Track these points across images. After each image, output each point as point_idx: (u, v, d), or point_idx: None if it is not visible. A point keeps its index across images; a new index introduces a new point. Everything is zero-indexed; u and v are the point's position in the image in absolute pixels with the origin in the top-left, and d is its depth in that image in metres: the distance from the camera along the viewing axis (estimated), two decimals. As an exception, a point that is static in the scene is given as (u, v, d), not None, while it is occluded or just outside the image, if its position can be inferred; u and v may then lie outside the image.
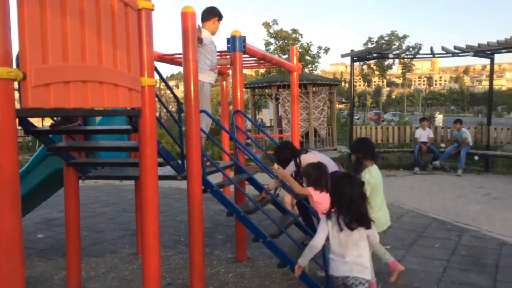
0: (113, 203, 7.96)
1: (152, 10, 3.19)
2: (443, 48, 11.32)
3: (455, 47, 11.10)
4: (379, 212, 3.50)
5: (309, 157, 4.21)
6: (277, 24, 22.12)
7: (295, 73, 7.27)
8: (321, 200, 3.66)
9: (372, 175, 3.50)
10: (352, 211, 2.77)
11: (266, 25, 21.94)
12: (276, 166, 4.16)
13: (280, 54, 21.37)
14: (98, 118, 4.84)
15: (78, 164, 3.98)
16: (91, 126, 4.22)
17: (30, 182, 4.52)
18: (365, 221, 2.79)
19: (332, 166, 4.09)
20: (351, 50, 12.00)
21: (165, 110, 19.06)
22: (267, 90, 17.36)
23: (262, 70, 22.96)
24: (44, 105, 2.20)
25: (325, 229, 2.84)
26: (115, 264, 4.69)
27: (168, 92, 28.56)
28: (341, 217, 2.78)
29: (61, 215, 6.75)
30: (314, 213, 3.80)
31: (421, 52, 12.86)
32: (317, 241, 2.88)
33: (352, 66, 12.50)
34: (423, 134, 11.24)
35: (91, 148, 4.04)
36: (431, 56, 11.78)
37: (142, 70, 3.12)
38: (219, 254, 4.93)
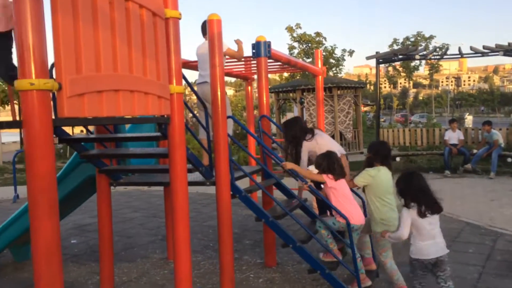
0: (143, 209, 8.09)
1: (179, 19, 3.24)
2: (471, 48, 11.06)
3: (484, 47, 10.82)
4: (380, 214, 3.78)
5: (312, 145, 4.45)
6: (300, 28, 22.06)
7: (320, 76, 7.24)
8: (336, 185, 3.80)
9: (379, 173, 3.80)
10: (428, 199, 3.23)
11: (290, 29, 21.87)
12: (284, 162, 4.19)
13: (304, 58, 21.28)
14: (127, 126, 4.93)
15: (110, 171, 4.07)
16: (121, 133, 4.31)
17: (64, 188, 4.64)
18: (438, 207, 3.26)
19: (337, 150, 4.25)
20: (376, 52, 11.87)
21: (190, 116, 19.26)
22: (291, 94, 17.33)
23: (286, 74, 22.93)
24: (79, 114, 2.26)
25: (409, 221, 3.24)
26: (147, 269, 4.77)
27: (194, 97, 28.85)
28: (422, 206, 3.20)
29: (93, 220, 6.90)
30: (332, 207, 3.79)
31: (448, 52, 12.60)
32: (403, 233, 3.27)
33: (377, 68, 12.34)
34: (453, 136, 10.97)
35: (123, 155, 4.12)
36: (459, 56, 11.53)
37: (171, 78, 3.17)
38: (248, 259, 4.94)
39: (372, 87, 53.44)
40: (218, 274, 4.16)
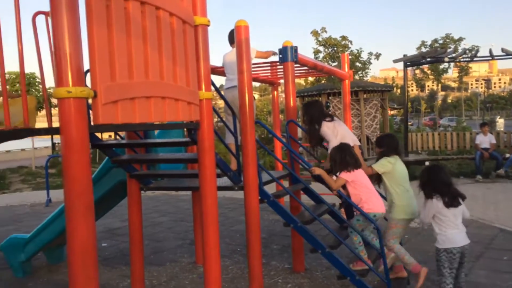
0: (170, 213, 8.19)
1: (208, 26, 3.28)
2: (503, 50, 10.78)
3: (516, 48, 10.53)
4: (402, 201, 3.88)
5: (330, 128, 4.52)
6: (325, 31, 22.02)
7: (346, 80, 7.19)
8: (355, 178, 3.83)
9: (397, 161, 3.96)
10: (452, 191, 3.35)
11: (315, 33, 21.86)
12: (313, 168, 4.21)
13: (330, 62, 21.19)
14: (156, 131, 5.01)
15: (140, 176, 4.15)
16: (151, 139, 4.38)
17: (96, 193, 4.73)
18: (462, 198, 3.37)
19: (350, 141, 4.37)
20: (404, 55, 11.71)
21: (215, 120, 19.42)
22: (317, 98, 17.24)
23: (311, 78, 22.87)
24: (113, 121, 2.31)
25: (432, 210, 3.35)
26: (176, 273, 4.82)
27: (219, 102, 29.05)
28: (446, 197, 3.32)
29: (123, 224, 7.03)
30: (352, 204, 3.80)
31: (478, 54, 12.31)
32: (425, 220, 3.43)
33: (405, 71, 12.17)
34: (484, 140, 10.69)
35: (153, 160, 4.19)
36: (490, 58, 11.25)
37: (200, 84, 3.21)
38: (276, 265, 4.93)
39: (398, 90, 52.60)
40: (246, 279, 4.17)
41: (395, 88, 43.92)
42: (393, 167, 3.94)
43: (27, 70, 18.34)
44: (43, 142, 28.43)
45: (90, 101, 2.20)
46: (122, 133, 4.42)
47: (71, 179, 2.10)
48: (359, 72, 23.12)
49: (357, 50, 22.63)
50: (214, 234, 3.20)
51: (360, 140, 15.15)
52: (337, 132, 4.56)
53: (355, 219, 3.88)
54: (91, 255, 2.10)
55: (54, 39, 2.06)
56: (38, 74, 21.55)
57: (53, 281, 4.81)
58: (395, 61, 11.94)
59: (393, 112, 44.35)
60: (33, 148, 20.22)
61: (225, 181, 4.12)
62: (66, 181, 2.11)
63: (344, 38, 22.06)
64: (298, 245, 4.65)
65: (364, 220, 3.83)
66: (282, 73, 6.95)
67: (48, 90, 15.00)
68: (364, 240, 3.81)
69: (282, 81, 8.09)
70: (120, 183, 4.51)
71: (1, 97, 3.76)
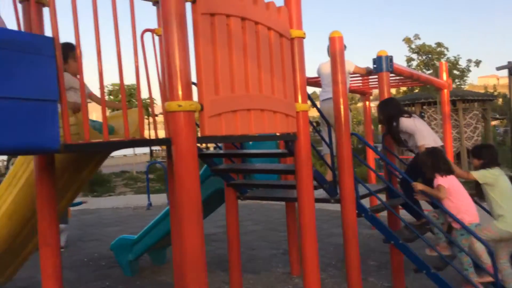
0: (262, 222, 8.31)
1: (304, 38, 3.31)
2: None
3: None
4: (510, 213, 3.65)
5: (410, 123, 4.24)
6: (419, 38, 21.09)
7: (445, 90, 6.79)
8: (450, 184, 3.64)
9: (502, 174, 3.77)
10: None
11: (407, 40, 21.03)
12: (415, 183, 3.97)
13: (424, 70, 20.20)
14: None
15: (237, 185, 4.27)
16: (247, 150, 4.50)
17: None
18: None
19: (431, 141, 4.14)
20: (508, 62, 10.82)
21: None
22: (411, 108, 16.48)
23: (403, 88, 21.98)
24: (218, 132, 2.42)
25: None
26: (271, 283, 4.85)
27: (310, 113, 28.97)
28: None
29: (218, 230, 7.27)
30: (450, 215, 3.58)
31: None
32: None
33: (510, 79, 11.23)
34: None
35: (251, 170, 4.30)
36: None
37: (296, 96, 3.24)
38: (374, 282, 4.73)
39: (500, 99, 48.34)
40: (342, 294, 4.07)
41: (497, 97, 40.53)
42: (496, 180, 3.71)
43: (129, 81, 19.68)
44: (142, 149, 30.42)
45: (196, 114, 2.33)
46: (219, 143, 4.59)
47: (183, 187, 2.22)
48: (457, 80, 21.76)
49: (454, 57, 21.34)
50: (312, 246, 3.17)
51: (459, 153, 14.24)
52: (419, 129, 4.29)
53: (459, 234, 3.61)
54: (201, 260, 2.19)
55: (165, 56, 2.20)
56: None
57: (158, 281, 5.09)
58: (499, 68, 11.08)
59: (494, 122, 40.82)
60: (134, 154, 21.69)
61: (320, 193, 4.08)
62: (179, 189, 2.22)
63: (439, 45, 20.94)
64: (397, 263, 4.41)
65: (468, 233, 3.56)
66: (374, 82, 6.77)
67: (145, 101, 16.03)
68: (473, 261, 3.53)
69: (373, 90, 7.87)
70: (217, 191, 4.68)
71: (110, 109, 4.11)
